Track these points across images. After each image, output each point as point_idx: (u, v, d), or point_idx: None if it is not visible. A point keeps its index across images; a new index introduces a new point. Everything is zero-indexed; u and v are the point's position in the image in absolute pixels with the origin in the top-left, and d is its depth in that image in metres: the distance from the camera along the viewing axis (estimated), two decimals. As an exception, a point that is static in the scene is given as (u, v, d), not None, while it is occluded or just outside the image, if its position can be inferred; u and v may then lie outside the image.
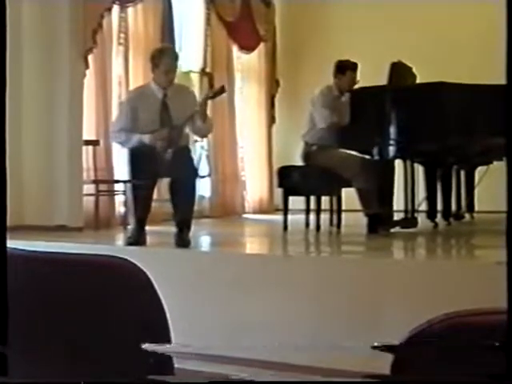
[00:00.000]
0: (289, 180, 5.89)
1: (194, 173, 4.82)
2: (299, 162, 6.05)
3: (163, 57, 4.86)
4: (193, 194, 4.77)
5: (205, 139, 7.48)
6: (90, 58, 6.06)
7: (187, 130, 4.86)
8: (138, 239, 4.64)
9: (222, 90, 5.09)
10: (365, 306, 3.59)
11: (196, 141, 5.79)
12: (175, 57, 5.01)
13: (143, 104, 4.84)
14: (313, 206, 5.83)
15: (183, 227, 4.66)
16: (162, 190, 5.37)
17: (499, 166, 5.39)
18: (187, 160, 4.77)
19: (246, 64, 8.55)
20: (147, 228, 4.80)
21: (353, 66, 5.92)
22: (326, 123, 5.74)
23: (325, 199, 5.92)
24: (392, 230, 5.41)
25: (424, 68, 5.77)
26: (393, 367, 0.96)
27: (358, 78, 5.92)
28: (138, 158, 4.74)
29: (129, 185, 4.91)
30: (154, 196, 5.08)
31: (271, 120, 8.87)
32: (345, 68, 5.90)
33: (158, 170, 4.67)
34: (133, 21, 6.79)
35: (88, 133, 6.14)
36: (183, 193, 4.68)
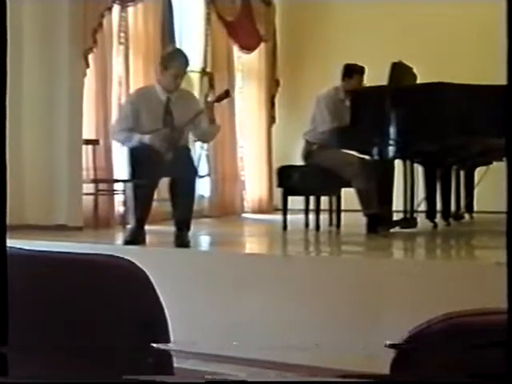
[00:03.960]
0: (288, 180, 5.89)
1: (193, 173, 4.81)
2: (299, 162, 6.05)
3: (174, 60, 4.81)
4: (192, 194, 4.77)
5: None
6: (91, 57, 6.06)
7: (189, 133, 4.86)
8: (137, 239, 4.64)
9: (226, 94, 5.05)
10: (364, 306, 3.59)
11: (196, 140, 5.78)
12: (186, 61, 4.96)
13: (146, 106, 4.83)
14: (312, 205, 5.84)
15: (183, 227, 4.66)
16: (161, 189, 5.36)
17: (499, 167, 5.39)
18: (187, 160, 4.76)
19: (247, 64, 8.56)
20: (147, 227, 4.81)
21: (360, 70, 5.93)
22: (327, 128, 5.76)
23: (324, 199, 5.93)
24: (391, 230, 5.41)
25: (424, 68, 5.78)
26: (392, 367, 0.96)
27: (365, 81, 5.92)
28: (139, 157, 4.73)
29: (129, 184, 4.91)
30: (155, 196, 5.07)
31: (271, 120, 8.87)
32: (352, 72, 5.91)
33: (158, 170, 4.66)
34: (133, 20, 6.79)
35: (88, 132, 6.14)
36: (183, 193, 4.68)
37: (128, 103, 5.13)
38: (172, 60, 4.82)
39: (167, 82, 4.81)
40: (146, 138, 4.69)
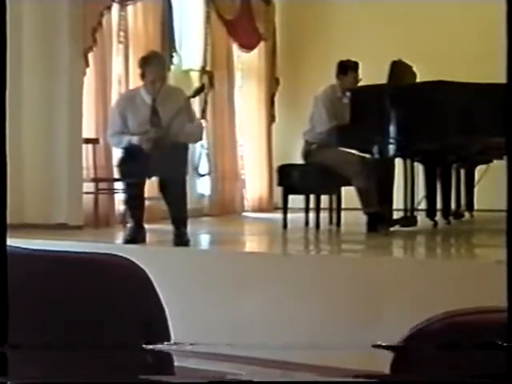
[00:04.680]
0: (288, 178, 5.89)
1: (182, 171, 4.76)
2: (299, 161, 6.05)
3: (149, 66, 4.79)
4: (183, 192, 4.72)
5: (204, 138, 7.49)
6: (90, 56, 6.06)
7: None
8: (137, 237, 4.65)
9: (201, 89, 5.15)
10: (364, 304, 3.59)
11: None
12: (162, 65, 4.94)
13: (132, 108, 4.84)
14: (312, 204, 5.84)
15: (179, 225, 4.65)
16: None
17: (499, 165, 5.39)
18: (176, 159, 4.69)
19: (246, 62, 8.55)
20: (146, 226, 4.81)
21: (354, 66, 5.90)
22: (325, 128, 5.74)
23: (324, 198, 5.93)
24: (392, 229, 5.40)
25: (424, 66, 5.77)
26: (392, 366, 0.96)
27: (360, 76, 5.91)
28: (126, 157, 4.77)
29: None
30: (154, 194, 5.07)
31: (271, 118, 8.86)
32: (346, 68, 5.89)
33: (145, 170, 4.66)
34: (133, 19, 6.79)
35: (88, 131, 6.14)
36: (173, 191, 4.68)
37: (115, 107, 5.15)
38: (146, 66, 4.80)
39: (148, 88, 4.82)
40: (135, 139, 4.71)
